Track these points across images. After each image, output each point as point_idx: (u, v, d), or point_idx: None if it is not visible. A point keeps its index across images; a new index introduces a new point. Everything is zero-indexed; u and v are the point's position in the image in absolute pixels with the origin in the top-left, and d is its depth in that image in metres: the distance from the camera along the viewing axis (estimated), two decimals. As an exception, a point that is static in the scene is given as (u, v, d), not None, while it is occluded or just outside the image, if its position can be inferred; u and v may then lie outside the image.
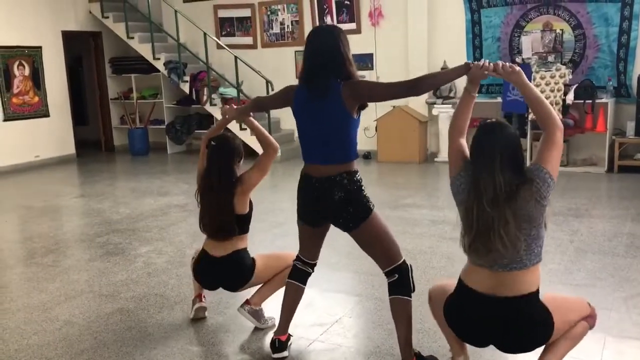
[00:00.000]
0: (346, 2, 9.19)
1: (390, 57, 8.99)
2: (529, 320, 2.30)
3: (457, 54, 8.38)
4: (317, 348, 3.14)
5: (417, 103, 8.57)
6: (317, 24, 9.38)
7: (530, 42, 8.01)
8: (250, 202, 3.34)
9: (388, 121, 8.62)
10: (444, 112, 8.32)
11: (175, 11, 9.70)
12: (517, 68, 2.41)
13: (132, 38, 10.10)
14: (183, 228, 5.58)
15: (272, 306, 3.37)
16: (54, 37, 9.79)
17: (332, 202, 2.74)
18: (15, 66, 9.22)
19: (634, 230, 5.02)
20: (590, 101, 7.38)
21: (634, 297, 3.62)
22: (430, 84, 2.72)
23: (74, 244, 5.34)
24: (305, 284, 3.06)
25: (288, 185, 7.01)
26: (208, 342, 3.26)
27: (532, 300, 2.31)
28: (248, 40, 10.15)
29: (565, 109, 7.34)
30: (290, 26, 9.81)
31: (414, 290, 2.83)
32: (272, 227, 5.43)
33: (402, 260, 2.81)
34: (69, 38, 10.11)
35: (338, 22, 9.22)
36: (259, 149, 3.40)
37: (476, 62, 2.48)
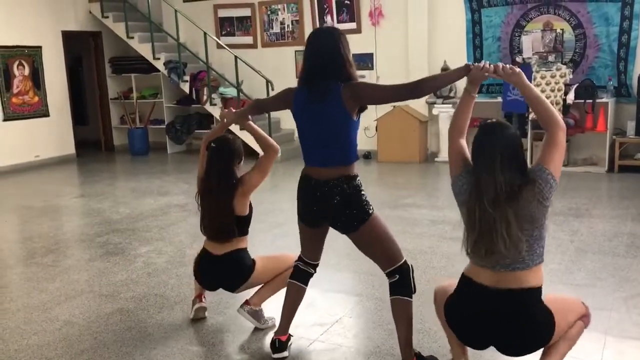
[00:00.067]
0: (346, 1, 9.19)
1: (391, 57, 8.98)
2: (531, 316, 2.29)
3: (457, 54, 8.38)
4: (317, 348, 3.14)
5: (418, 103, 8.56)
6: (317, 23, 9.38)
7: (530, 42, 8.00)
8: (250, 205, 3.34)
9: (388, 121, 8.61)
10: (444, 112, 8.31)
11: (175, 11, 9.69)
12: (518, 69, 2.41)
13: (132, 38, 10.10)
14: (183, 228, 5.58)
15: (272, 307, 3.36)
16: (54, 37, 9.79)
17: (331, 206, 2.74)
18: (15, 66, 9.22)
19: (635, 230, 5.02)
20: (590, 101, 7.37)
21: (634, 297, 3.62)
22: (431, 86, 2.71)
23: (74, 243, 5.34)
24: (306, 285, 3.06)
25: (288, 186, 7.00)
26: (208, 343, 3.26)
27: (535, 295, 2.31)
28: (248, 39, 10.14)
29: (565, 109, 7.34)
30: (290, 26, 9.80)
31: (414, 290, 2.83)
32: (272, 228, 5.42)
33: (403, 260, 2.81)
34: (68, 38, 10.11)
35: (338, 21, 9.22)
36: (259, 149, 3.39)
37: (476, 63, 2.48)
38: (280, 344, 3.01)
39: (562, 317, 2.35)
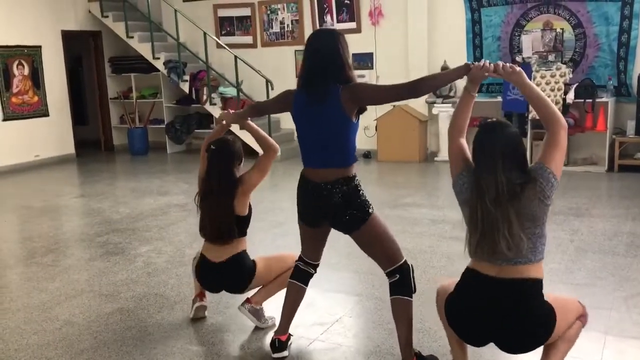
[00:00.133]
0: (346, 1, 9.18)
1: (390, 57, 8.98)
2: (532, 308, 2.29)
3: (457, 53, 8.38)
4: (317, 347, 3.14)
5: (417, 102, 8.55)
6: (317, 23, 9.38)
7: (530, 41, 8.00)
8: (250, 205, 3.34)
9: (388, 120, 8.61)
10: (444, 112, 8.31)
11: (175, 10, 9.69)
12: (518, 68, 2.41)
13: (132, 37, 10.10)
14: (183, 227, 5.58)
15: (273, 306, 3.36)
16: (54, 37, 9.78)
17: (331, 206, 2.74)
18: (14, 66, 9.22)
19: (635, 229, 5.02)
20: (590, 100, 7.37)
21: (634, 296, 3.62)
22: (430, 85, 2.71)
23: (73, 243, 5.34)
24: (307, 285, 3.06)
25: (288, 185, 7.00)
26: (208, 342, 3.26)
27: (537, 286, 2.31)
28: (248, 39, 10.14)
29: (565, 108, 7.33)
30: (290, 25, 9.80)
31: (415, 290, 2.83)
32: (272, 227, 5.42)
33: (403, 260, 2.81)
34: (68, 37, 10.10)
35: (338, 21, 9.22)
36: (259, 149, 3.40)
37: (476, 62, 2.48)
38: (280, 343, 3.01)
39: (562, 316, 2.35)
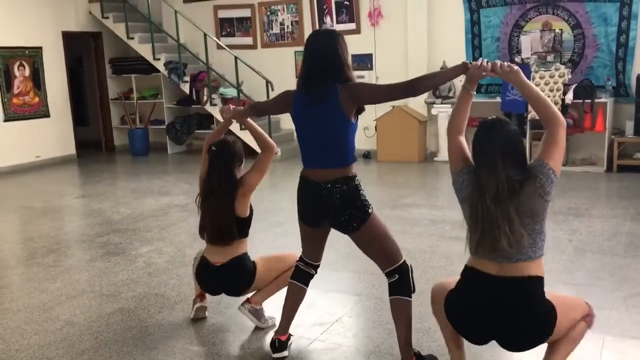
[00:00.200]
0: (346, 2, 9.20)
1: (390, 57, 9.00)
2: (533, 305, 2.29)
3: (456, 54, 8.37)
4: (317, 347, 3.15)
5: (417, 103, 8.58)
6: (317, 24, 9.40)
7: (529, 42, 8.02)
8: (251, 206, 3.35)
9: (387, 121, 8.63)
10: (444, 112, 8.32)
11: (175, 11, 9.71)
12: (515, 67, 2.42)
13: (132, 38, 10.11)
14: (183, 228, 5.60)
15: (273, 306, 3.38)
16: (54, 38, 9.80)
17: (331, 205, 2.75)
18: (15, 67, 9.23)
19: (633, 229, 5.04)
20: (589, 101, 7.39)
21: (633, 296, 3.63)
22: (429, 84, 2.72)
23: (74, 244, 5.36)
24: (307, 285, 3.07)
25: (288, 185, 7.02)
26: (208, 342, 3.27)
27: (538, 284, 2.32)
28: (248, 40, 10.16)
29: (564, 109, 7.34)
30: (290, 26, 9.82)
31: (414, 290, 2.84)
32: (272, 227, 5.44)
33: (402, 260, 2.82)
34: (69, 38, 10.12)
35: (337, 22, 9.24)
36: (259, 148, 3.41)
37: (474, 61, 2.50)
38: (280, 343, 3.02)
39: (563, 313, 2.34)
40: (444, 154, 8.16)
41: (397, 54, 8.89)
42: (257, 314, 3.35)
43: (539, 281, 2.33)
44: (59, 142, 9.94)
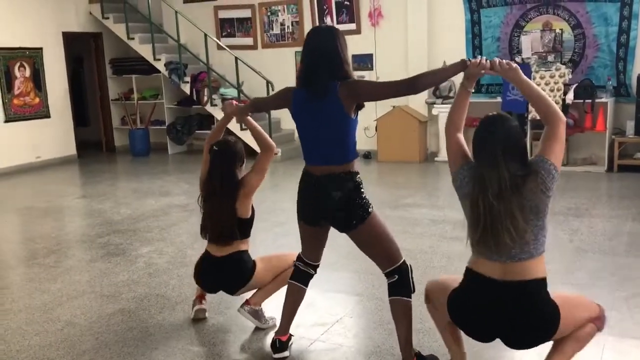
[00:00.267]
0: (346, 2, 9.20)
1: (390, 58, 9.00)
2: (537, 306, 2.29)
3: (456, 54, 8.32)
4: (318, 348, 3.15)
5: (417, 103, 8.58)
6: (317, 24, 9.39)
7: (529, 42, 8.01)
8: (252, 207, 3.35)
9: (388, 121, 8.63)
10: (444, 112, 8.31)
11: (176, 12, 9.71)
12: (514, 65, 2.42)
13: (133, 39, 10.11)
14: (184, 228, 5.60)
15: (273, 306, 3.38)
16: (55, 39, 9.80)
17: (331, 202, 2.75)
18: (16, 67, 9.24)
19: (634, 229, 5.03)
20: (589, 101, 7.38)
21: (634, 296, 3.63)
22: (428, 81, 2.72)
23: (75, 244, 5.36)
24: (306, 286, 3.07)
25: (289, 185, 7.01)
26: (209, 343, 3.27)
27: (542, 285, 2.31)
28: (248, 41, 10.16)
29: (565, 109, 7.34)
30: (290, 27, 9.82)
31: (414, 290, 2.84)
32: (273, 227, 5.44)
33: (402, 260, 2.82)
34: (69, 39, 10.12)
35: (338, 22, 9.23)
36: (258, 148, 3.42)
37: (473, 59, 2.50)
38: (280, 344, 3.02)
39: (568, 310, 2.33)
40: (444, 154, 8.14)
41: (398, 54, 8.89)
42: (257, 314, 3.35)
43: (542, 282, 2.32)
44: (60, 143, 9.94)
